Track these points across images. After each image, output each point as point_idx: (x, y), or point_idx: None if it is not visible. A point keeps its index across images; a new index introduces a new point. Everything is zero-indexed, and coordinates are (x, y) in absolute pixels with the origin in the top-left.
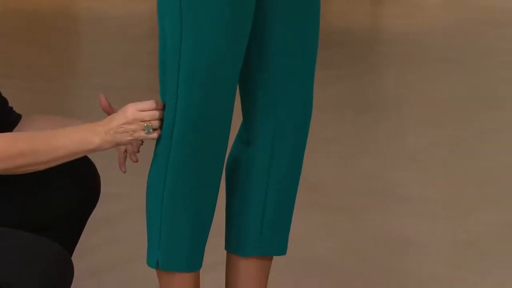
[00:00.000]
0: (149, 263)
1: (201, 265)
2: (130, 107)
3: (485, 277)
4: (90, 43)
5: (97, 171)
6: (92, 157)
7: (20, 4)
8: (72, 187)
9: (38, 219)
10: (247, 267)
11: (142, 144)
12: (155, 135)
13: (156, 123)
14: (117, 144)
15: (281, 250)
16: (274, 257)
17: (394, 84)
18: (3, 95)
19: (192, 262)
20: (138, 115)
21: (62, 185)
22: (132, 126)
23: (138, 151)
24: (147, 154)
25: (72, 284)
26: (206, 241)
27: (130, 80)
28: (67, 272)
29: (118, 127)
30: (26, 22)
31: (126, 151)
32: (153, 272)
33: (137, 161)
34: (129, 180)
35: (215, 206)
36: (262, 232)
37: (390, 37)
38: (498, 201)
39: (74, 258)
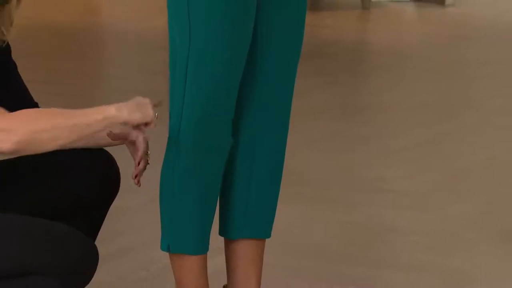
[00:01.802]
0: (162, 247)
1: (208, 248)
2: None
3: (462, 262)
4: (110, 53)
5: (116, 163)
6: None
7: (47, 19)
8: (93, 177)
9: (59, 207)
10: (237, 249)
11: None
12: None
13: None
14: (130, 119)
15: (265, 233)
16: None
17: (378, 90)
18: (34, 99)
19: (199, 246)
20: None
21: (83, 176)
22: (145, 101)
23: (144, 168)
24: (161, 152)
25: None
26: (211, 226)
27: (145, 85)
28: (92, 257)
29: (132, 103)
30: (53, 35)
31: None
32: (167, 255)
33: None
34: (145, 175)
35: (218, 194)
36: (246, 215)
37: (375, 49)
38: (474, 194)
39: (97, 242)
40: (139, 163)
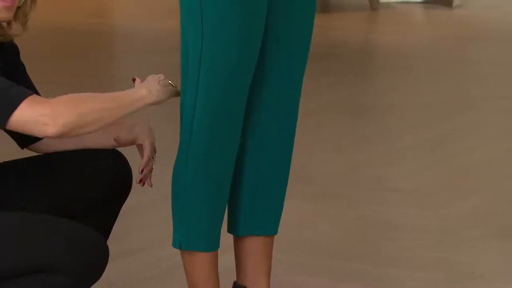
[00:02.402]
0: (174, 245)
1: (219, 245)
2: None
3: (465, 259)
4: (120, 54)
5: (128, 163)
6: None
7: (57, 20)
8: (106, 177)
9: (71, 206)
10: (245, 246)
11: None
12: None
13: None
14: (160, 99)
15: (273, 230)
16: (275, 237)
17: (385, 90)
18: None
19: (211, 243)
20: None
21: (96, 175)
22: (167, 81)
23: (151, 169)
24: (173, 153)
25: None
26: (221, 223)
27: None
28: (102, 255)
29: (154, 83)
30: (64, 36)
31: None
32: (178, 252)
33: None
34: (157, 174)
35: (228, 191)
36: (253, 212)
37: (382, 50)
38: (478, 192)
39: (109, 241)
40: (142, 170)
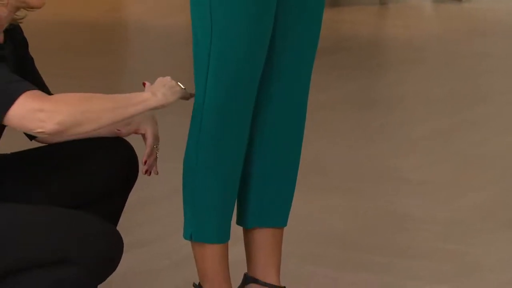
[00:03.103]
0: (185, 236)
1: (229, 237)
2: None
3: (476, 250)
4: (134, 49)
5: (132, 149)
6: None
7: (71, 16)
8: (113, 166)
9: (80, 196)
10: (255, 238)
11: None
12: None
13: None
14: (166, 102)
15: (282, 221)
16: (285, 229)
17: (395, 83)
18: (58, 93)
19: (221, 234)
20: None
21: (103, 164)
22: (173, 83)
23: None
24: (181, 146)
25: None
26: (232, 215)
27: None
28: (118, 247)
29: (160, 86)
30: (77, 31)
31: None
32: (189, 243)
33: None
34: (168, 166)
35: (238, 183)
36: (262, 205)
37: (392, 43)
38: (489, 183)
39: (120, 233)
40: (145, 162)
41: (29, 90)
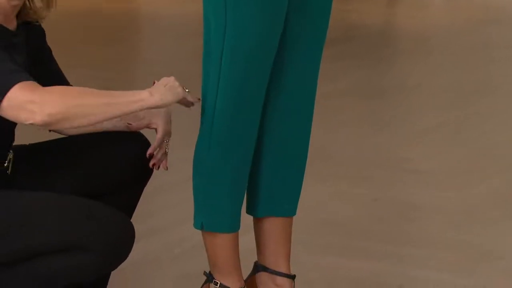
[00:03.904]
0: (196, 225)
1: (239, 226)
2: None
3: (484, 239)
4: (146, 39)
5: (149, 143)
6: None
7: (83, 6)
8: (129, 159)
9: (96, 187)
10: (264, 227)
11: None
12: (191, 98)
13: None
14: (162, 103)
15: (291, 211)
16: (295, 218)
17: (404, 73)
18: (71, 83)
19: (232, 224)
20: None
21: (119, 157)
22: (176, 84)
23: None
24: (193, 135)
25: None
26: (242, 204)
27: (181, 68)
28: (130, 235)
29: (161, 86)
30: (90, 21)
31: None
32: (199, 232)
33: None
34: (179, 155)
35: (249, 172)
36: (272, 194)
37: (401, 33)
38: (497, 173)
39: (132, 221)
40: (152, 155)
41: (22, 81)
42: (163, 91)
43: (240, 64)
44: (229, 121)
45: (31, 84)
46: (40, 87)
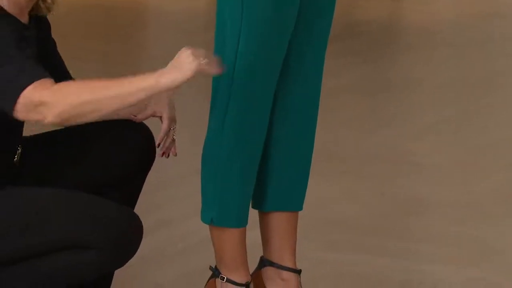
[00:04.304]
0: (204, 220)
1: (247, 221)
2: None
3: (490, 235)
4: (153, 34)
5: (149, 131)
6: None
7: (93, 0)
8: (130, 149)
9: (98, 179)
10: (270, 222)
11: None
12: (213, 70)
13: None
14: (171, 85)
15: (297, 206)
16: (301, 213)
17: (409, 68)
18: (75, 78)
19: (241, 219)
20: (194, 52)
21: (120, 148)
22: (187, 60)
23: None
24: (199, 127)
25: None
26: (250, 199)
27: None
28: (137, 232)
29: (170, 65)
30: (97, 16)
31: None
32: (206, 227)
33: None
34: (186, 148)
35: (258, 166)
36: (278, 189)
37: (406, 28)
38: (502, 168)
39: (138, 215)
40: (159, 145)
41: (34, 81)
42: (172, 71)
43: (255, 62)
44: (241, 117)
45: (41, 84)
46: (49, 86)
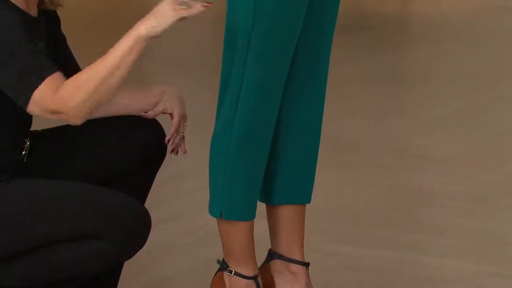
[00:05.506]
0: (213, 214)
1: (255, 214)
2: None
3: (499, 227)
4: None
5: (161, 127)
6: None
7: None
8: (141, 144)
9: (109, 172)
10: (278, 215)
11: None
12: (194, 10)
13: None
14: (152, 33)
15: (305, 198)
16: (309, 206)
17: (419, 59)
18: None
19: (250, 212)
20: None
21: (132, 143)
22: (166, 7)
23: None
24: (207, 119)
25: None
26: (259, 192)
27: (194, 57)
28: (146, 223)
29: (150, 13)
30: (103, 9)
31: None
32: (213, 220)
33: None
34: (193, 142)
35: (266, 160)
36: (286, 182)
37: (417, 20)
38: (509, 160)
39: (147, 208)
40: (169, 140)
41: (46, 77)
42: (151, 19)
43: (269, 52)
44: (252, 110)
45: (53, 81)
46: (57, 92)
